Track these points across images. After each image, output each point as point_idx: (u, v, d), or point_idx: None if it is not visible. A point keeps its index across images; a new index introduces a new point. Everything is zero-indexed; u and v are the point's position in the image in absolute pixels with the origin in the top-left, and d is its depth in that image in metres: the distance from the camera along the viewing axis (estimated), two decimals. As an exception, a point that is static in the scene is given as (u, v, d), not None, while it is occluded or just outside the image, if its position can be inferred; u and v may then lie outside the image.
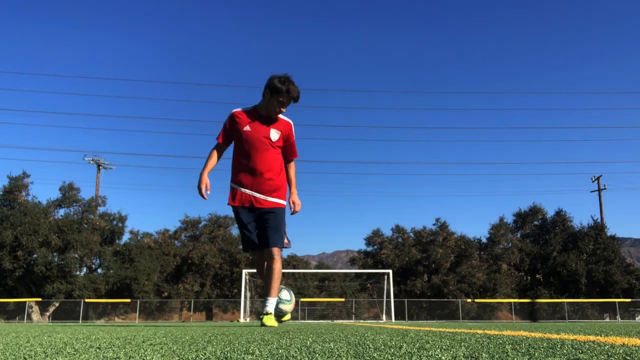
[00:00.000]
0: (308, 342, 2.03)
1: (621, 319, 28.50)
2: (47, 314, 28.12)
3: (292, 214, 4.55)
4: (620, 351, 1.52)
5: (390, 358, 1.40)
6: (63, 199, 30.47)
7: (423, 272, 32.39)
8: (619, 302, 28.83)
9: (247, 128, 4.33)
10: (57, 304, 28.23)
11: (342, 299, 29.81)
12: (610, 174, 61.90)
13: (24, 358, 1.49)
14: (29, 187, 29.82)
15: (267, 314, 4.29)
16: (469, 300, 29.31)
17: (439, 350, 1.62)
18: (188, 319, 30.26)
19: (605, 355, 1.41)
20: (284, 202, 4.43)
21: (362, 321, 22.51)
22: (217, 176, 4.84)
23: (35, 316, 27.40)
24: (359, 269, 33.02)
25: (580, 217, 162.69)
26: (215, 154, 4.49)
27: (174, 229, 34.40)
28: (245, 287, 23.47)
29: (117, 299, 28.40)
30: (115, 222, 31.22)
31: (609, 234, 33.70)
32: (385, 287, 24.80)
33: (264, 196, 4.32)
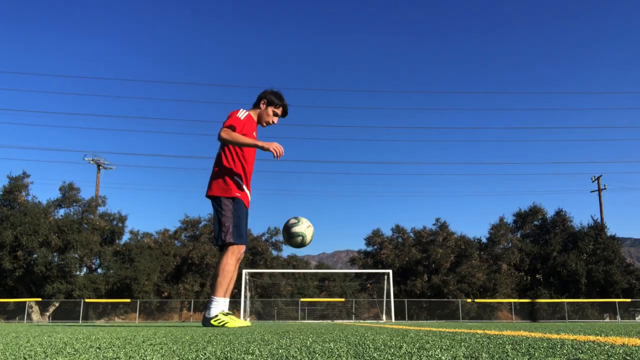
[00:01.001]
0: (308, 342, 2.03)
1: (621, 319, 28.51)
2: (47, 314, 28.13)
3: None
4: (620, 351, 1.52)
5: (390, 358, 1.40)
6: (63, 199, 30.47)
7: (423, 272, 32.39)
8: (619, 302, 28.82)
9: (254, 134, 4.60)
10: (57, 304, 28.24)
11: (342, 299, 29.80)
12: (610, 174, 61.85)
13: (24, 358, 1.48)
14: (29, 187, 29.83)
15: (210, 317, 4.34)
16: (469, 300, 29.30)
17: (439, 350, 1.62)
18: (188, 319, 30.25)
19: (605, 355, 1.41)
20: None
21: (362, 321, 22.51)
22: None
23: (35, 316, 27.41)
24: (359, 269, 33.01)
25: (580, 217, 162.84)
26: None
27: (174, 229, 34.41)
28: (245, 287, 23.46)
29: (117, 299, 28.40)
30: (115, 222, 31.22)
31: (609, 234, 33.70)
32: (385, 287, 24.79)
33: (249, 198, 4.62)
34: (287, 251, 36.29)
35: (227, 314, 4.37)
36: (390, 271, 24.96)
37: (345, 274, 33.58)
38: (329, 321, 22.67)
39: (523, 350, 1.58)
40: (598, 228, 33.77)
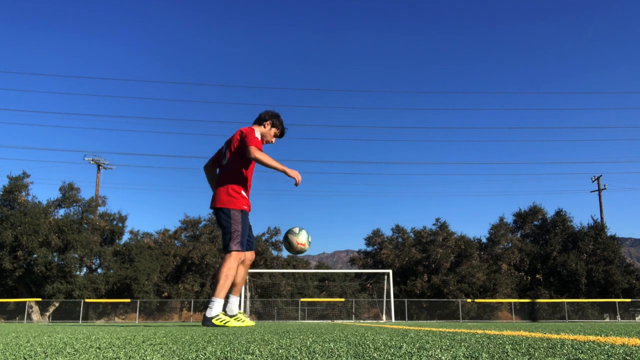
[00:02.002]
0: (308, 342, 2.03)
1: (621, 319, 28.50)
2: (47, 314, 28.13)
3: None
4: (620, 351, 1.52)
5: (390, 358, 1.40)
6: (63, 199, 30.47)
7: (423, 272, 32.37)
8: (619, 302, 28.82)
9: (263, 150, 4.92)
10: (57, 304, 28.23)
11: (342, 299, 29.80)
12: (610, 174, 61.88)
13: (24, 358, 1.48)
14: (29, 187, 29.79)
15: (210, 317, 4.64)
16: (469, 300, 29.29)
17: (439, 350, 1.62)
18: (188, 319, 30.24)
19: (605, 355, 1.41)
20: None
21: (362, 321, 22.51)
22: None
23: (35, 316, 27.41)
24: (359, 269, 33.01)
25: (580, 217, 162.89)
26: None
27: (174, 229, 34.38)
28: (245, 287, 23.48)
29: (117, 299, 28.40)
30: (115, 222, 31.21)
31: (609, 234, 33.68)
32: (385, 287, 24.78)
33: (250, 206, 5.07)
34: (287, 251, 36.29)
35: (233, 315, 4.79)
36: (390, 271, 24.95)
37: (345, 274, 33.57)
38: (329, 321, 22.66)
39: (523, 350, 1.58)
40: (598, 228, 33.77)
